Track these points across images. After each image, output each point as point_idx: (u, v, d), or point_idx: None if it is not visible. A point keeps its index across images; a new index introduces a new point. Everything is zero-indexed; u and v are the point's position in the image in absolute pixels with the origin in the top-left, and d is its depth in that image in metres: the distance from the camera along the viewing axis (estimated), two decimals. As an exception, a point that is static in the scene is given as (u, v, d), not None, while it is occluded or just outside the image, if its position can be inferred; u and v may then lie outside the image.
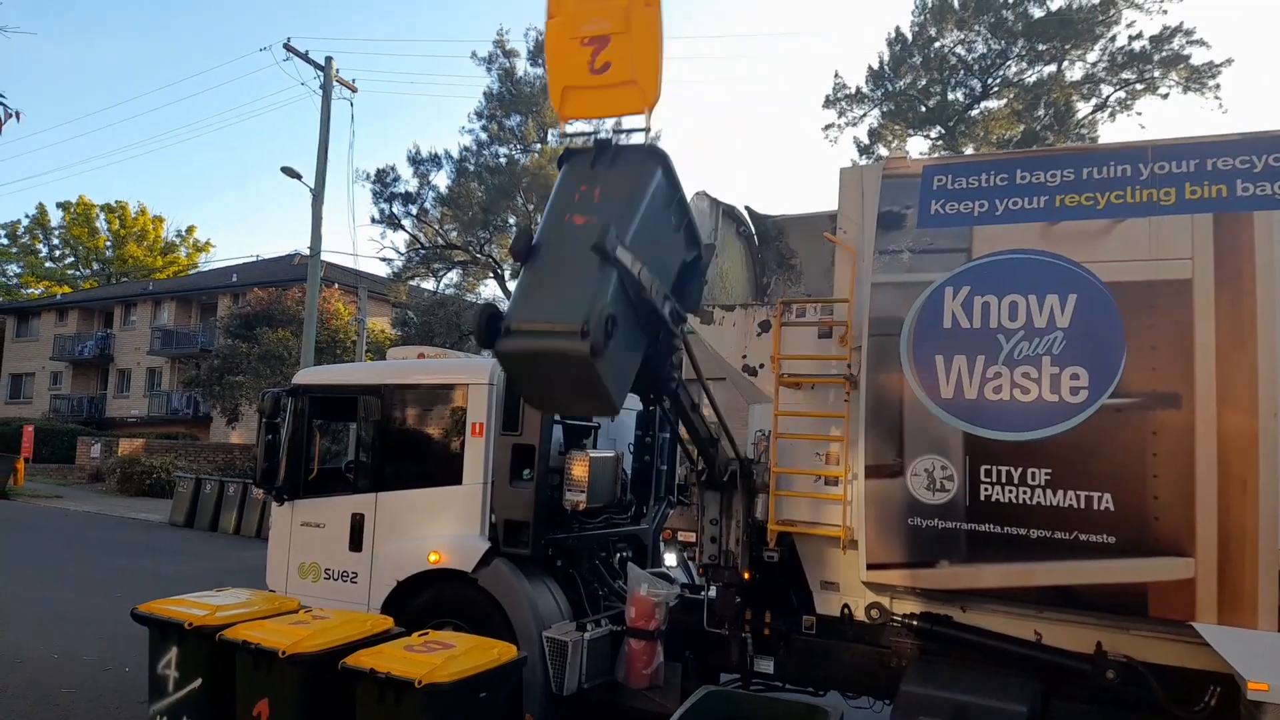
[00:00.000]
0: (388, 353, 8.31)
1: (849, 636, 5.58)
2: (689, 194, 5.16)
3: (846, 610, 5.57)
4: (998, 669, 5.05)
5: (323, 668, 4.56)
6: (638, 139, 4.76)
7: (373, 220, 31.92)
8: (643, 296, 4.35)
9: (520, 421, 6.34)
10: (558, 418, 6.72)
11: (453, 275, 33.17)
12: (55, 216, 57.83)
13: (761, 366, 5.84)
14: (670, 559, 8.22)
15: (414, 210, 31.46)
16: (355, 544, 6.79)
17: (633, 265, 4.18)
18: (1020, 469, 4.70)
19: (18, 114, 4.68)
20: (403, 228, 31.77)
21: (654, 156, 4.64)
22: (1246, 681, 4.04)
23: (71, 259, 58.90)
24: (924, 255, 5.21)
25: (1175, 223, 4.62)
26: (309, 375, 7.70)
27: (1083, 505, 4.54)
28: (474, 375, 6.68)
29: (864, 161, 27.01)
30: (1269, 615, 4.17)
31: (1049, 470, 4.63)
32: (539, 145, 29.93)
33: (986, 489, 4.77)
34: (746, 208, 7.49)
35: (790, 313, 5.72)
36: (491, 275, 32.24)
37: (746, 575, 5.69)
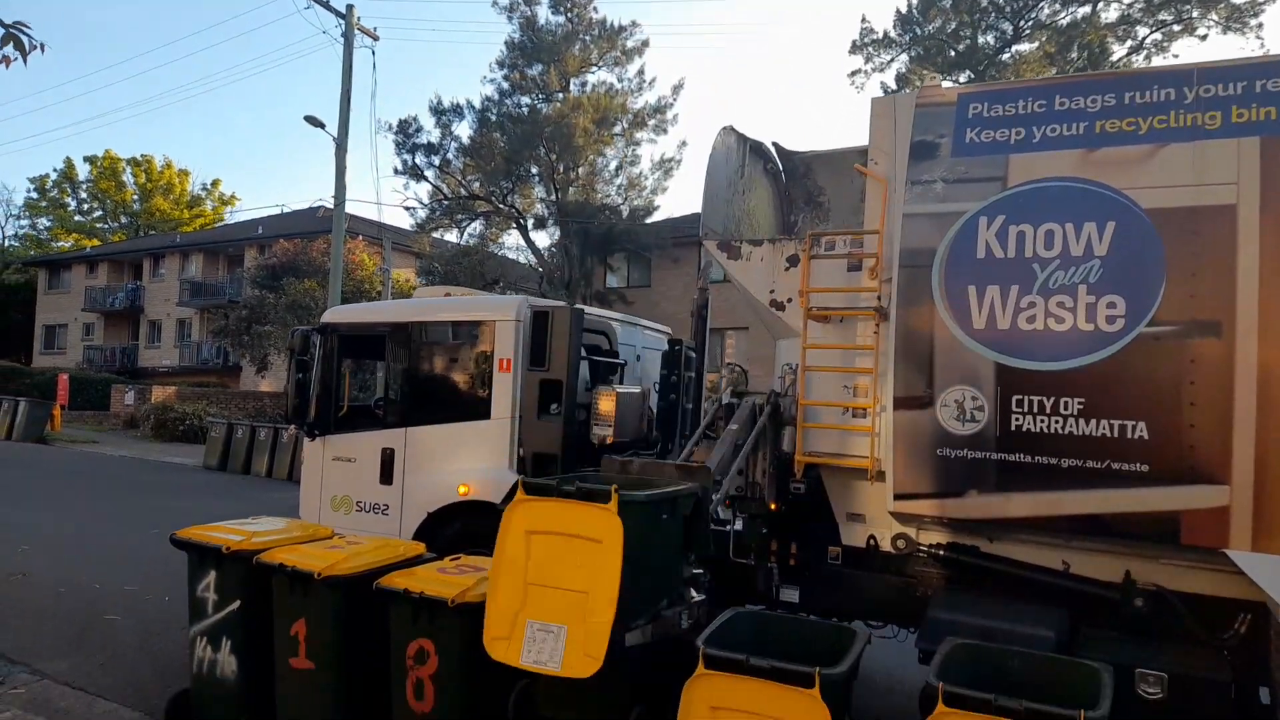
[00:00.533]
0: (415, 292, 8.36)
1: (874, 567, 5.61)
2: (716, 130, 5.07)
3: (872, 541, 5.60)
4: (1024, 598, 5.08)
5: (357, 589, 4.63)
6: None
7: (396, 172, 31.78)
8: None
9: (547, 357, 6.38)
10: (585, 353, 6.75)
11: (476, 226, 33.11)
12: (82, 170, 58.39)
13: (789, 301, 5.80)
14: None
15: (436, 161, 31.29)
16: (386, 477, 6.91)
17: None
18: (1053, 399, 4.65)
19: (42, 45, 4.64)
20: (426, 179, 31.68)
21: None
22: (1279, 607, 4.04)
23: (100, 212, 59.50)
24: (958, 185, 5.11)
25: (1221, 147, 4.49)
26: (337, 314, 7.77)
27: (1116, 434, 4.49)
28: (501, 312, 6.72)
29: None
30: (1304, 543, 4.15)
31: (1082, 400, 4.58)
32: (561, 94, 29.60)
33: (1018, 419, 4.74)
34: (774, 144, 7.40)
35: (819, 246, 5.65)
36: (514, 226, 32.15)
37: (773, 506, 5.72)
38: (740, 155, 6.81)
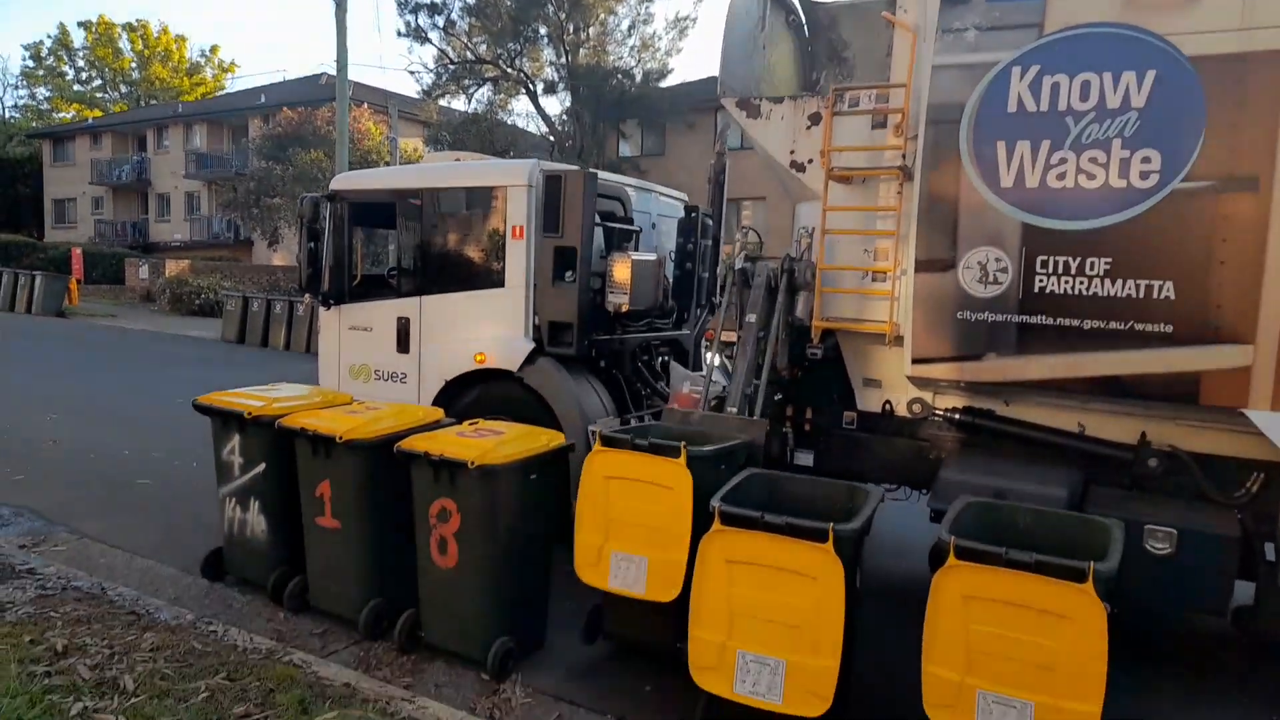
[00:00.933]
0: (424, 157, 8.16)
1: (889, 431, 5.66)
2: None
3: (888, 406, 5.62)
4: (1037, 459, 5.13)
5: (379, 452, 4.71)
6: None
7: (399, 34, 30.63)
8: None
9: (560, 223, 6.25)
10: (599, 220, 6.62)
11: (484, 92, 32.06)
12: (78, 37, 56.53)
13: (810, 162, 5.61)
14: (713, 361, 8.29)
15: (441, 22, 30.05)
16: (402, 346, 6.93)
17: None
18: (1079, 259, 4.54)
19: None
20: (430, 41, 30.51)
21: None
22: (1294, 465, 4.07)
23: (98, 81, 58.00)
24: (991, 33, 4.82)
25: (1273, -13, 4.18)
26: (346, 180, 7.59)
27: (1142, 295, 4.40)
28: (512, 177, 6.54)
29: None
30: (1324, 403, 4.12)
31: (1109, 259, 4.46)
32: (570, -52, 28.02)
33: (1041, 280, 4.64)
34: (797, -7, 6.98)
35: (843, 102, 5.41)
36: (523, 91, 31.14)
37: (788, 373, 5.72)
38: (761, 7, 6.44)
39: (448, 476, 4.41)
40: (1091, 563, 3.18)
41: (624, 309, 6.37)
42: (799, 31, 7.04)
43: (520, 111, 31.98)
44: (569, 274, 6.28)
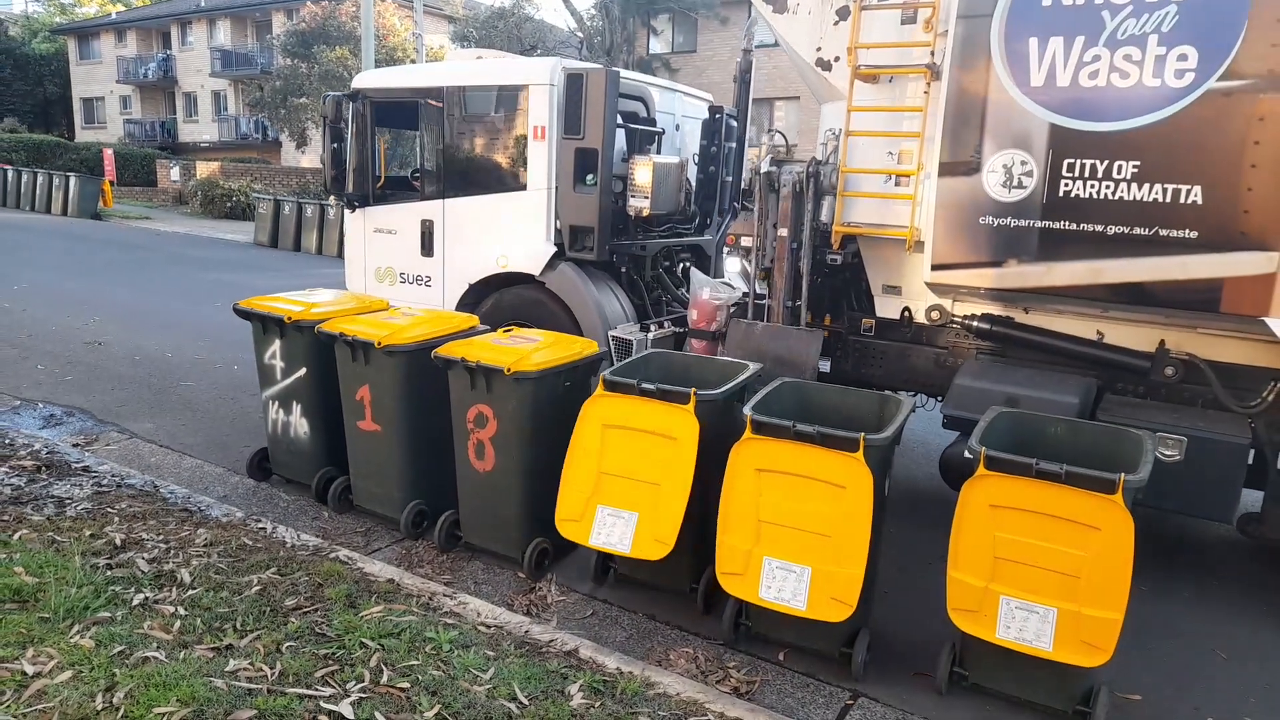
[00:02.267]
0: (446, 55, 8.02)
1: (907, 338, 5.68)
2: None
3: (907, 313, 5.62)
4: (1055, 367, 5.14)
5: (416, 358, 4.79)
6: None
7: (422, -79, 29.38)
8: None
9: (582, 124, 6.18)
10: (621, 121, 6.52)
11: (512, -16, 31.02)
12: (95, -74, 55.05)
13: (837, 60, 5.45)
14: (733, 267, 8.30)
15: (465, -92, 28.86)
16: (426, 249, 6.99)
17: None
18: (1107, 162, 4.43)
19: None
20: (454, -72, 29.38)
21: None
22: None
23: (120, -27, 56.83)
24: (1030, -79, 4.59)
25: None
26: (368, 78, 7.51)
27: (1169, 199, 4.31)
28: (534, 75, 6.44)
29: None
30: (1348, 313, 4.07)
31: (1138, 162, 4.36)
32: None
33: (1067, 184, 4.55)
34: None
35: (872, -5, 5.22)
36: (552, -18, 30.07)
37: (810, 279, 5.71)
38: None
39: (484, 382, 4.48)
40: (1122, 474, 3.18)
41: (645, 213, 6.35)
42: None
43: (548, 6, 30.81)
44: (590, 177, 6.24)
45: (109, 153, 31.39)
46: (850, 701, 3.68)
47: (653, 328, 6.50)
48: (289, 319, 5.25)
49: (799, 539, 3.69)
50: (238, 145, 38.78)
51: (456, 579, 4.59)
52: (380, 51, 25.76)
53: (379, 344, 4.78)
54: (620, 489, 4.10)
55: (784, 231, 5.53)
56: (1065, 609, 3.28)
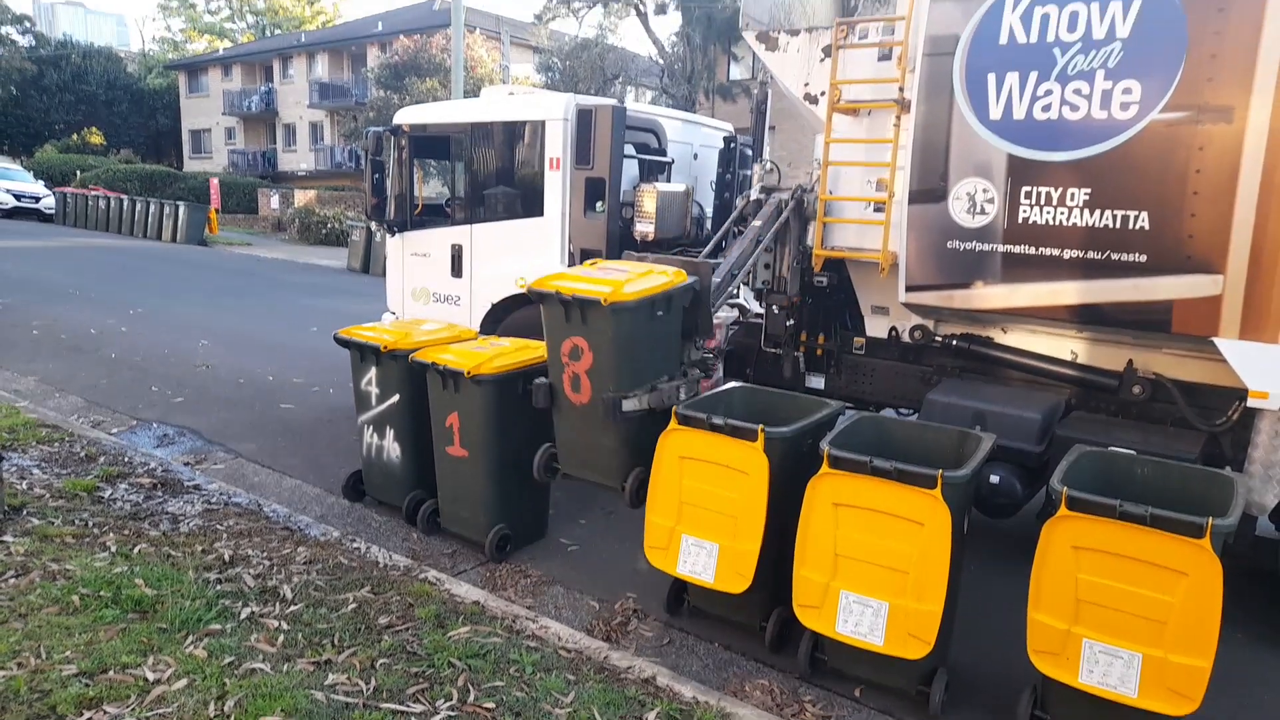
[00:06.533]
0: (482, 92, 8.60)
1: (895, 356, 5.92)
2: None
3: (894, 332, 5.86)
4: (1032, 385, 5.30)
5: (503, 386, 5.06)
6: None
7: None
8: None
9: (591, 155, 6.62)
10: (630, 152, 6.96)
11: (595, 15, 31.86)
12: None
13: (823, 94, 5.76)
14: (744, 290, 8.57)
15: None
16: (456, 271, 7.58)
17: None
18: (1060, 189, 4.63)
19: None
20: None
21: None
22: (1249, 390, 4.17)
23: (226, 11, 60.69)
24: (989, -36, 4.84)
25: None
26: (408, 114, 8.13)
27: (1119, 225, 4.48)
28: (550, 111, 6.93)
29: None
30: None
31: (1089, 190, 4.55)
32: None
33: (1025, 210, 4.76)
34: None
35: (852, 34, 5.52)
36: (634, 12, 30.74)
37: (796, 300, 6.01)
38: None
39: (579, 315, 4.43)
40: (1210, 518, 3.08)
41: (650, 238, 6.73)
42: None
43: (631, 35, 31.42)
44: (599, 204, 6.69)
45: (215, 182, 33.39)
46: (928, 740, 3.65)
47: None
48: (385, 348, 5.55)
49: (876, 574, 3.67)
50: (332, 174, 40.76)
51: (538, 603, 4.73)
52: (468, 82, 26.83)
53: (468, 373, 5.00)
54: (701, 519, 4.15)
55: (763, 232, 5.74)
56: (1151, 655, 3.20)
